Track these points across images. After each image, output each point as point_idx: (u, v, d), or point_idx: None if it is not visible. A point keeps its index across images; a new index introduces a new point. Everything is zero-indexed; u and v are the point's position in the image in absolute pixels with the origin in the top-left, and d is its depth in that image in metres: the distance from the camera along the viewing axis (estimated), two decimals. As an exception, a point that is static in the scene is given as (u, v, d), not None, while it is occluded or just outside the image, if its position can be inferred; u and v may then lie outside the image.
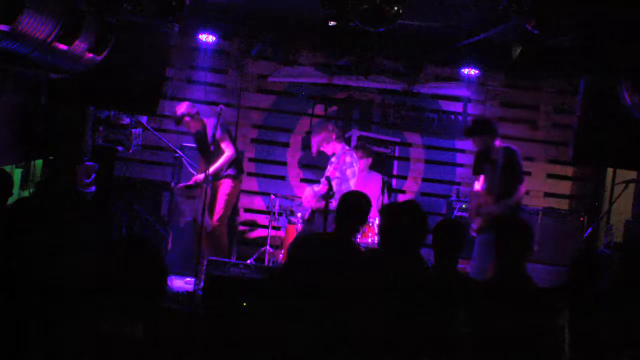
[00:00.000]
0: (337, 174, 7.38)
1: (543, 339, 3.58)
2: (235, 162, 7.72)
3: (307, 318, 4.03)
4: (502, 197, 6.61)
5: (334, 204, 7.23)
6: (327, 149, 7.60)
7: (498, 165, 6.74)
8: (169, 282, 7.66)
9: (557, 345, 3.58)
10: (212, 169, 7.38)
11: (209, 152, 7.43)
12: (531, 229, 3.87)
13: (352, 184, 7.40)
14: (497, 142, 6.86)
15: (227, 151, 7.57)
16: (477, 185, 6.93)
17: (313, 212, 7.54)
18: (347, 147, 7.72)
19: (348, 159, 7.47)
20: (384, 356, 3.57)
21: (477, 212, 6.84)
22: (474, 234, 6.87)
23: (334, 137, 7.56)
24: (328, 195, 6.82)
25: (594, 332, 3.80)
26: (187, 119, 7.66)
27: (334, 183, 7.23)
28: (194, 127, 7.75)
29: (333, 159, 7.54)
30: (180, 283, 7.70)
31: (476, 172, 7.05)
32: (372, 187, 8.02)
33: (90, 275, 2.40)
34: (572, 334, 3.60)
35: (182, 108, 7.71)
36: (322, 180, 7.56)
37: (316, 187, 7.63)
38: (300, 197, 8.05)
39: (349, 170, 7.44)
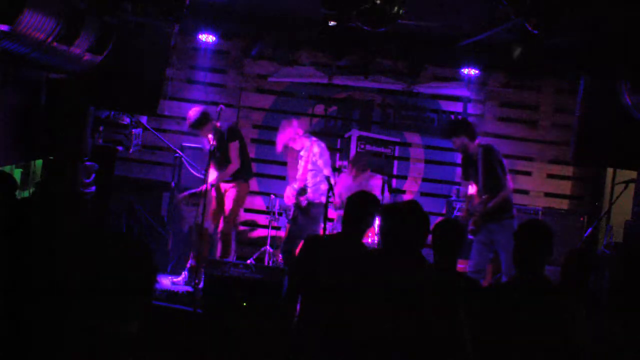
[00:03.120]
0: (310, 166, 7.44)
1: (561, 340, 3.58)
2: (243, 168, 7.70)
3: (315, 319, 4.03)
4: (488, 194, 6.73)
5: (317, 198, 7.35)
6: (295, 145, 7.69)
7: (478, 165, 6.82)
8: (169, 282, 7.67)
9: (574, 346, 3.58)
10: (216, 179, 7.43)
11: (220, 157, 7.45)
12: (551, 231, 3.85)
13: (328, 172, 7.45)
14: (476, 143, 6.93)
15: (233, 162, 7.54)
16: (471, 189, 7.04)
17: (296, 208, 7.63)
18: (313, 138, 7.74)
19: (316, 149, 7.57)
20: (385, 356, 3.57)
21: (468, 212, 6.97)
22: (470, 236, 6.93)
23: (300, 133, 7.63)
24: (328, 194, 6.83)
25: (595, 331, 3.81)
26: (208, 125, 7.46)
27: (310, 175, 7.34)
28: (208, 133, 7.56)
29: (302, 153, 7.62)
30: (179, 283, 7.70)
31: (465, 178, 7.22)
32: (371, 188, 8.03)
33: (82, 274, 2.41)
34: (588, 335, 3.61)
35: (198, 114, 7.50)
36: (298, 176, 7.65)
37: (295, 185, 7.70)
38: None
39: (320, 160, 7.52)
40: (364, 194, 4.69)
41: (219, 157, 7.51)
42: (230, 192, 7.68)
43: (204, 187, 7.40)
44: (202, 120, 7.49)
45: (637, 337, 3.95)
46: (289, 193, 7.71)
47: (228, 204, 7.68)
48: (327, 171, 7.47)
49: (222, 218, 7.68)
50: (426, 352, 3.55)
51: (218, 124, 7.44)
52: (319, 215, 7.43)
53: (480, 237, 6.92)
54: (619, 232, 7.47)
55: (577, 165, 9.06)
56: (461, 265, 6.63)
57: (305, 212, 7.61)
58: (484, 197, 6.81)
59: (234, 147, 7.51)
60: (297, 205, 7.65)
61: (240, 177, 7.66)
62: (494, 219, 6.83)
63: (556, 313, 3.63)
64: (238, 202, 7.74)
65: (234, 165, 7.54)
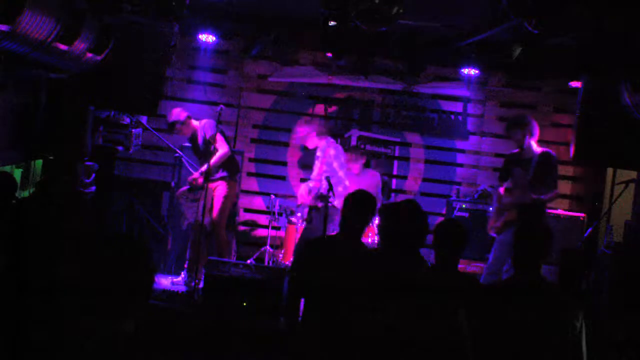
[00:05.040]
0: (325, 167, 7.44)
1: (560, 340, 3.58)
2: (229, 164, 7.71)
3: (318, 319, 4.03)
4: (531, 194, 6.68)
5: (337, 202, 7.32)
6: (309, 143, 7.69)
7: (532, 166, 6.75)
8: (169, 283, 7.67)
9: (574, 346, 3.58)
10: (205, 166, 7.45)
11: (205, 153, 7.46)
12: (551, 232, 3.85)
13: (342, 175, 7.44)
14: (532, 142, 6.86)
15: (221, 149, 7.58)
16: (501, 191, 6.98)
17: (310, 210, 7.59)
18: (331, 140, 7.74)
19: (332, 151, 7.55)
20: (385, 356, 3.57)
21: (500, 210, 6.88)
22: (493, 234, 6.88)
23: (314, 134, 7.63)
24: (327, 195, 6.82)
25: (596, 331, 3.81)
26: (178, 126, 7.68)
27: (324, 177, 7.35)
28: (187, 132, 7.77)
29: (318, 153, 7.62)
30: (179, 283, 7.70)
31: (503, 178, 7.07)
32: (368, 185, 8.02)
33: (81, 274, 2.41)
34: (587, 335, 3.61)
35: (172, 116, 7.71)
36: (313, 176, 7.62)
37: (310, 184, 7.68)
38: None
39: (335, 163, 7.51)
40: (361, 192, 4.68)
41: (204, 153, 7.54)
42: (218, 190, 7.70)
43: (195, 175, 7.47)
44: (172, 125, 7.70)
45: (637, 337, 3.95)
46: (303, 191, 7.67)
47: (217, 203, 7.70)
48: (342, 174, 7.49)
49: (213, 216, 7.70)
50: (426, 352, 3.55)
51: (194, 123, 7.65)
52: (335, 216, 7.37)
53: (503, 238, 6.79)
54: (619, 232, 7.47)
55: (577, 165, 9.06)
56: (461, 265, 6.62)
57: (325, 218, 7.55)
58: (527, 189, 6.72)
59: (217, 140, 7.55)
60: (314, 207, 7.59)
61: (226, 174, 7.68)
62: None
63: (555, 312, 3.63)
64: (227, 200, 7.75)
65: (224, 150, 7.56)
